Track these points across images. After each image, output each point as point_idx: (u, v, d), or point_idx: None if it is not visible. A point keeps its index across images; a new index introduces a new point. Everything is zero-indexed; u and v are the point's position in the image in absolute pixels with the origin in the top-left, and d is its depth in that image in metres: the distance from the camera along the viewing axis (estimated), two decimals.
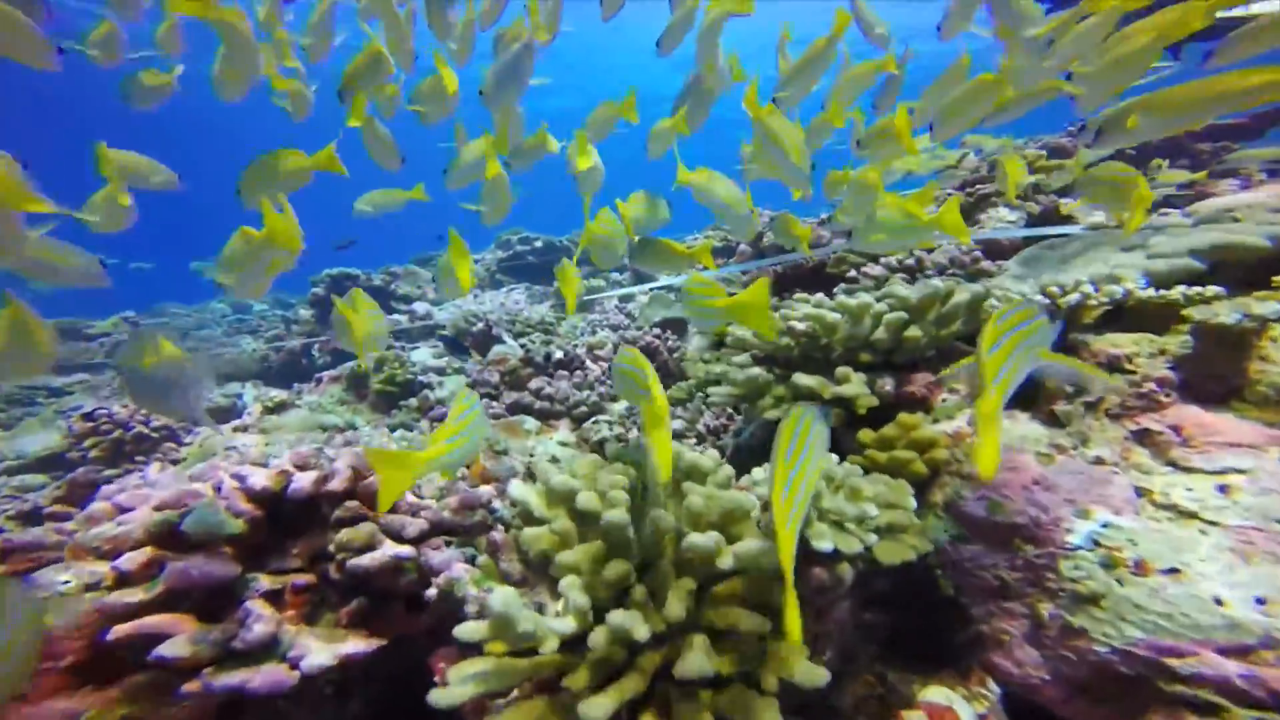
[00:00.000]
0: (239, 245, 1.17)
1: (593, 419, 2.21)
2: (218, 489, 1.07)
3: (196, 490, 1.04)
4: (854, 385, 1.40)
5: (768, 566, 1.00)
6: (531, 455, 2.06)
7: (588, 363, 2.57)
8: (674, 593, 0.99)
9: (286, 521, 1.17)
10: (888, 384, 1.44)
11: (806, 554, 1.10)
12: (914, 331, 1.44)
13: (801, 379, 1.44)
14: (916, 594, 1.29)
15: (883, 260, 2.06)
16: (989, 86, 1.43)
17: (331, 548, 1.09)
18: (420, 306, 6.38)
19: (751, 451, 1.85)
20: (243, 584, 1.03)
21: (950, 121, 1.50)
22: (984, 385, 0.79)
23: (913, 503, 1.15)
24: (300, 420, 2.59)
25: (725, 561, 1.00)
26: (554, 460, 1.96)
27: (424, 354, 4.77)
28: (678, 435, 2.42)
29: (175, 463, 2.69)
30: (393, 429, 2.23)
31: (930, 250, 1.98)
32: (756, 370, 1.54)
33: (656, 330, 3.71)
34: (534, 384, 2.28)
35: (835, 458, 1.30)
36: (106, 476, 2.83)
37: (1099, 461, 1.15)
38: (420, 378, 3.40)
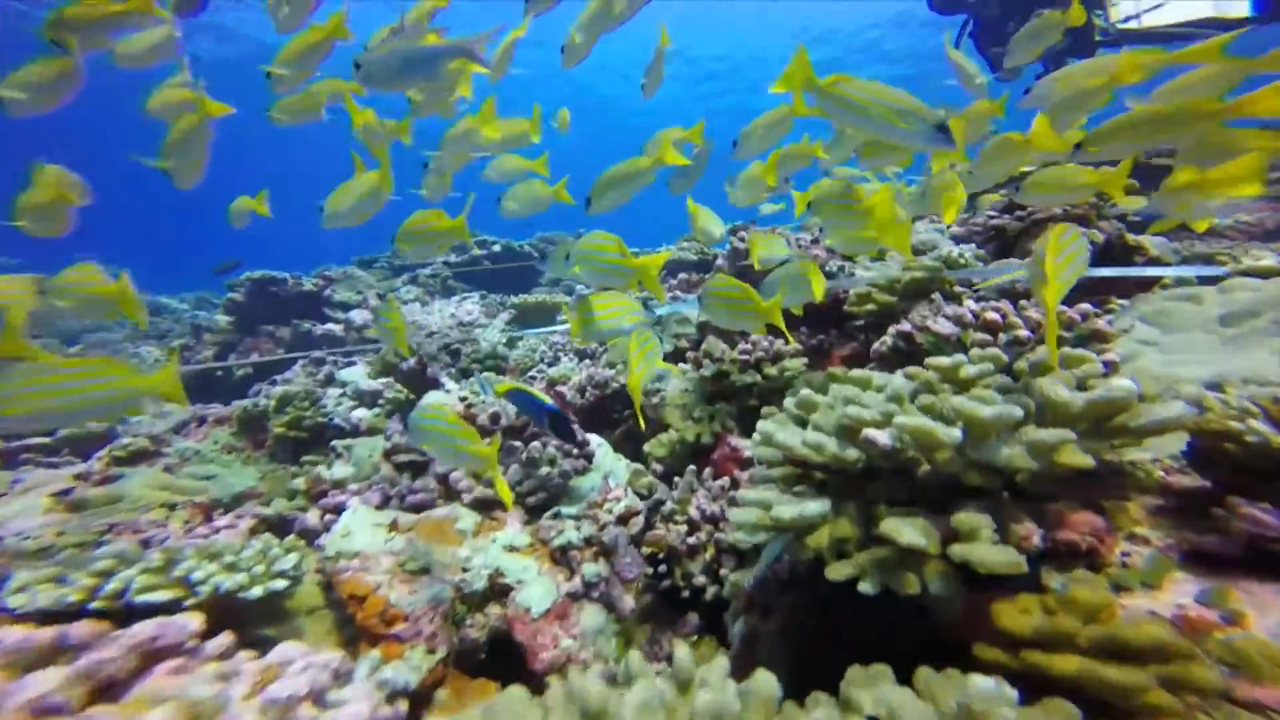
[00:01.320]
0: None
1: (552, 512, 1.61)
2: None
3: None
4: (987, 547, 0.85)
5: None
6: (466, 570, 1.45)
7: None
8: None
9: None
10: (1034, 535, 0.90)
11: None
12: (1076, 457, 0.90)
13: (899, 531, 0.88)
14: None
15: (950, 310, 1.53)
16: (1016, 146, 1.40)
17: None
18: (357, 315, 5.61)
19: (783, 587, 1.28)
20: None
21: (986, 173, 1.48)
22: None
23: None
24: (144, 488, 1.88)
25: None
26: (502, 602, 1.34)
27: (357, 372, 4.05)
28: (665, 519, 1.84)
29: None
30: (269, 523, 1.57)
31: (1016, 299, 1.47)
32: (814, 508, 0.98)
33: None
34: None
35: (992, 687, 0.74)
36: None
37: None
38: (335, 419, 2.73)
